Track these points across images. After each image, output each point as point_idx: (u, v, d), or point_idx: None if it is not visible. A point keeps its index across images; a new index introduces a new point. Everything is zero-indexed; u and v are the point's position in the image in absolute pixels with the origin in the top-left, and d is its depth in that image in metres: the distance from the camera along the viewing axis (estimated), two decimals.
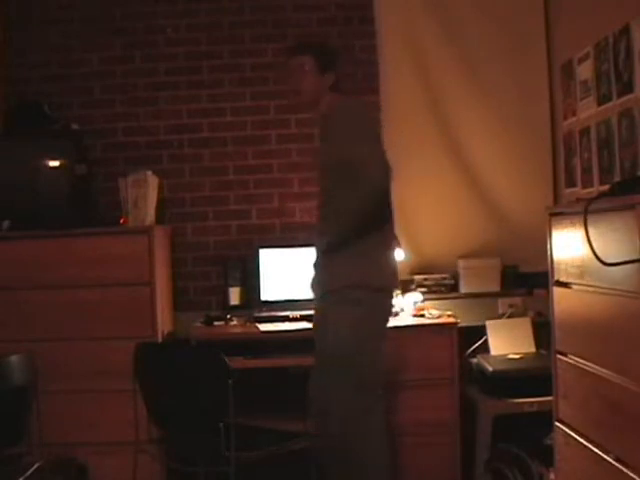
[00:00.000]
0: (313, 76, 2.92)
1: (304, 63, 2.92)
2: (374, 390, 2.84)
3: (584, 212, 2.13)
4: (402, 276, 3.34)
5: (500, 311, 3.72)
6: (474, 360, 3.54)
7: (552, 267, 2.64)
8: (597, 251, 2.08)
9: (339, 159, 2.80)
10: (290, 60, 2.97)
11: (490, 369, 3.34)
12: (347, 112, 2.87)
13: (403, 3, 3.82)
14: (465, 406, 3.40)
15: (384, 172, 2.72)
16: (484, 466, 3.29)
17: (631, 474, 2.00)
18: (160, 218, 3.72)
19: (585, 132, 3.27)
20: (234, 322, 3.61)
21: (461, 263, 3.79)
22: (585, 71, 3.23)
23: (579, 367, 2.39)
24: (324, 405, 2.84)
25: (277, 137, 3.93)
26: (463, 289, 3.78)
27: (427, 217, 3.84)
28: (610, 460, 2.14)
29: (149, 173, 3.62)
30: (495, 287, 3.77)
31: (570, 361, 2.48)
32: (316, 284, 2.98)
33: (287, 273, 3.68)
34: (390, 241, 2.93)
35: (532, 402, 3.21)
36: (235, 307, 3.74)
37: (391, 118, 3.81)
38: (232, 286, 3.77)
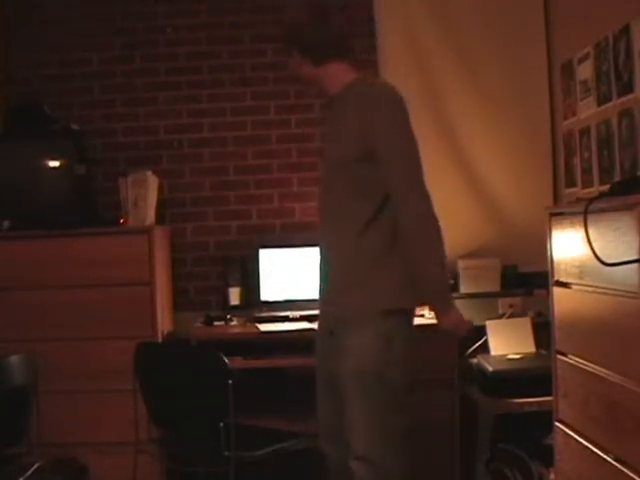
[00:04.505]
0: (308, 69, 2.54)
1: (294, 61, 2.55)
2: None
3: (584, 212, 2.13)
4: None
5: (500, 311, 3.71)
6: (474, 360, 3.54)
7: (552, 267, 2.64)
8: (597, 251, 2.07)
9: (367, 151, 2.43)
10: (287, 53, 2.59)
11: (490, 369, 3.34)
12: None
13: (403, 3, 3.82)
14: (465, 406, 3.39)
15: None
16: (484, 466, 3.29)
17: (631, 474, 1.99)
18: (160, 218, 3.72)
19: (585, 132, 3.27)
20: (234, 322, 3.61)
21: (461, 263, 3.78)
22: (585, 71, 3.23)
23: (579, 367, 2.38)
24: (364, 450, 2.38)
25: (277, 137, 3.92)
26: (463, 289, 3.76)
27: None
28: (610, 460, 2.13)
29: (149, 173, 3.62)
30: (495, 287, 3.75)
31: (570, 361, 2.48)
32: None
33: (287, 273, 3.67)
34: None
35: (532, 402, 3.20)
36: (235, 307, 3.74)
37: None
38: (232, 286, 3.76)
